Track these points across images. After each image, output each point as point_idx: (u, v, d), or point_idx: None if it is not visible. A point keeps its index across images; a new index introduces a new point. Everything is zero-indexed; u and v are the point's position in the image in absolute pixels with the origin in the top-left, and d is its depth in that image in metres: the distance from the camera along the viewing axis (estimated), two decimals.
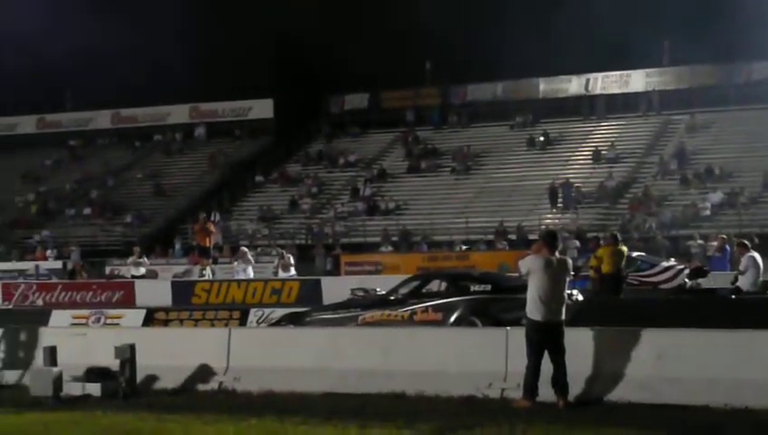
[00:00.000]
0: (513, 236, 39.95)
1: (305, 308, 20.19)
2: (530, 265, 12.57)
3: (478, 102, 54.88)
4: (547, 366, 12.29)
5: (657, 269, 25.77)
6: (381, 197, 48.18)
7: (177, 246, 43.88)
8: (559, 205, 43.57)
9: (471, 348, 13.50)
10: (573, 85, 53.19)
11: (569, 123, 51.25)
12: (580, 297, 17.68)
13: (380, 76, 54.81)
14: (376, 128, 56.08)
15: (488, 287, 17.55)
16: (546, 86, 53.70)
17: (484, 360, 13.12)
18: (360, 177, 50.62)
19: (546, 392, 12.22)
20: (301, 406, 12.66)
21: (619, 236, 24.00)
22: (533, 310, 12.38)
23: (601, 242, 29.76)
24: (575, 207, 43.08)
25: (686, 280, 24.45)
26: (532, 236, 35.68)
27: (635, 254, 28.40)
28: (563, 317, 12.48)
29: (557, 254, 12.71)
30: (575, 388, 12.31)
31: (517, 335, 12.75)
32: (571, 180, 44.65)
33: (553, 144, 49.81)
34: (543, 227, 38.05)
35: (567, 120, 51.41)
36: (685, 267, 25.91)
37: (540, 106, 52.82)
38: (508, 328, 13.51)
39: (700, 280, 24.14)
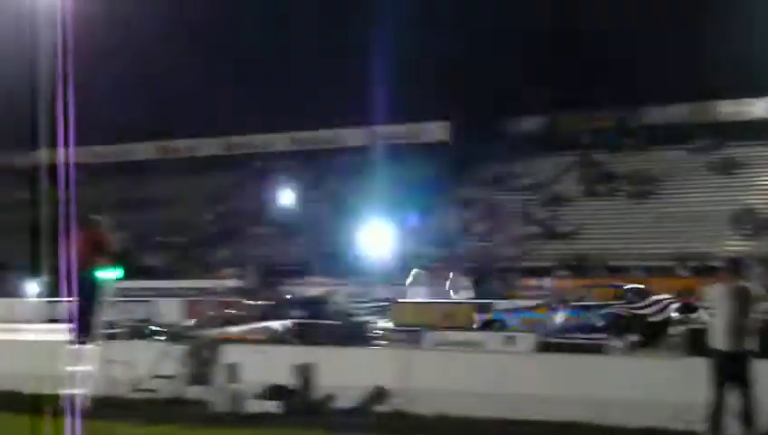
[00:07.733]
0: (693, 263, 38.95)
1: None
2: (713, 294, 12.25)
3: (655, 125, 53.73)
4: (733, 398, 11.86)
5: (646, 302, 25.31)
6: (556, 220, 47.63)
7: None
8: (743, 231, 42.20)
9: (655, 377, 13.17)
10: (758, 108, 51.51)
11: (753, 147, 49.60)
12: None
13: (557, 99, 54.33)
14: (551, 151, 55.45)
15: None
16: (728, 109, 52.17)
17: (667, 390, 12.77)
18: (534, 200, 50.20)
19: (733, 426, 11.77)
20: (473, 431, 12.59)
21: None
22: (716, 339, 12.00)
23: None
24: (761, 234, 41.60)
25: (676, 313, 24.25)
26: (714, 264, 34.63)
27: (627, 286, 27.77)
28: (749, 347, 12.03)
29: (742, 282, 12.32)
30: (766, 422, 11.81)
31: (702, 366, 12.34)
32: (757, 206, 43.18)
33: (736, 168, 48.28)
34: (727, 254, 36.84)
35: (751, 143, 49.78)
36: (673, 301, 25.47)
37: (721, 129, 51.31)
38: (695, 358, 13.08)
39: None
